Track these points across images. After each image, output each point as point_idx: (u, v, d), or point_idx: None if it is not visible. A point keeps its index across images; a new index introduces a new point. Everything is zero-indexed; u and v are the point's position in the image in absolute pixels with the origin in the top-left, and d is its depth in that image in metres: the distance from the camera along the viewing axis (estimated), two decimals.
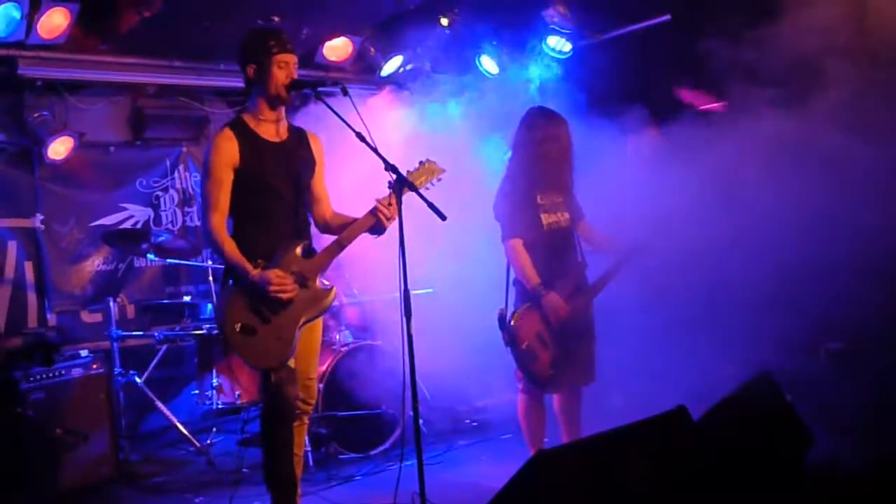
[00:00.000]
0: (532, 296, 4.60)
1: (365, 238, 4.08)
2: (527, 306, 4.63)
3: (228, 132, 3.96)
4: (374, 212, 3.97)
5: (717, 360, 5.03)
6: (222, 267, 4.07)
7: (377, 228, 4.01)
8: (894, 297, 4.66)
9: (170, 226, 6.80)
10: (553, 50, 6.77)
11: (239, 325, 3.83)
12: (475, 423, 6.10)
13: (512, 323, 4.63)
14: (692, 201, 5.12)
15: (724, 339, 5.28)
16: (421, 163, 4.09)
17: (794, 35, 4.75)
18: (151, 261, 6.10)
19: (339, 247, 4.03)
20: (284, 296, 3.84)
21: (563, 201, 4.77)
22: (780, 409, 4.18)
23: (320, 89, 4.01)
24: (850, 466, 4.11)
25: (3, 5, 5.27)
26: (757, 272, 5.04)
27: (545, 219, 4.67)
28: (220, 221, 3.92)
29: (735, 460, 3.79)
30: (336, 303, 4.61)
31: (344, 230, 4.07)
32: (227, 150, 3.91)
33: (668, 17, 6.33)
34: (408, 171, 3.95)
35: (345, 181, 4.64)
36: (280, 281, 3.83)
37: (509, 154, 4.86)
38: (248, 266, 3.83)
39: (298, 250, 4.00)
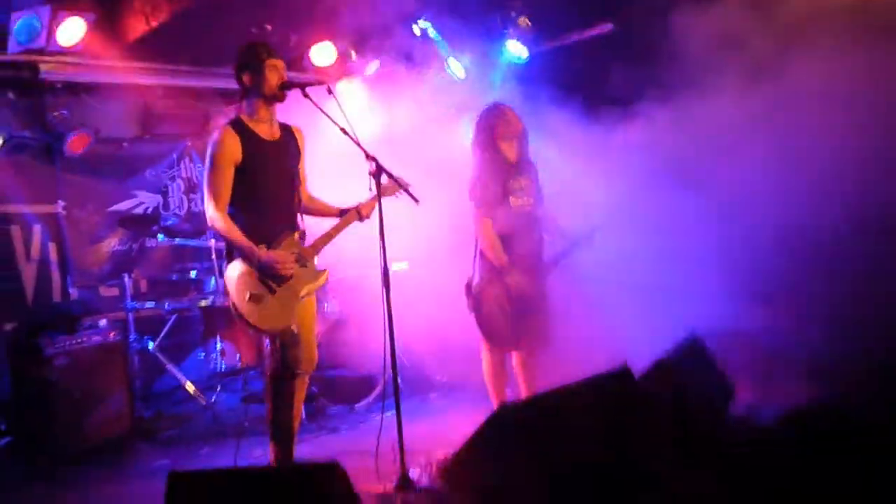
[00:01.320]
0: (495, 269, 4.59)
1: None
2: (490, 278, 4.62)
3: (230, 130, 3.93)
4: (358, 210, 4.15)
5: (656, 322, 5.06)
6: (224, 248, 4.06)
7: (360, 220, 4.17)
8: (809, 266, 4.70)
9: (177, 210, 6.74)
10: (512, 55, 6.74)
11: (248, 294, 3.83)
12: (445, 380, 6.10)
13: (476, 291, 4.62)
14: (642, 185, 5.15)
15: (663, 305, 5.32)
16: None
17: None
18: (161, 241, 6.03)
19: (329, 237, 4.12)
20: (288, 272, 3.88)
21: (528, 185, 4.74)
22: (708, 366, 4.21)
23: (308, 88, 3.97)
24: (765, 415, 4.16)
25: (25, 17, 5.18)
26: (691, 247, 5.07)
27: (513, 201, 4.65)
28: (224, 209, 3.91)
29: (669, 410, 3.82)
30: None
31: (323, 216, 4.26)
32: (230, 146, 3.89)
33: (610, 26, 6.31)
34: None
35: (326, 166, 4.58)
36: (284, 259, 3.87)
37: (472, 149, 4.80)
38: (255, 248, 3.85)
39: (296, 236, 4.06)
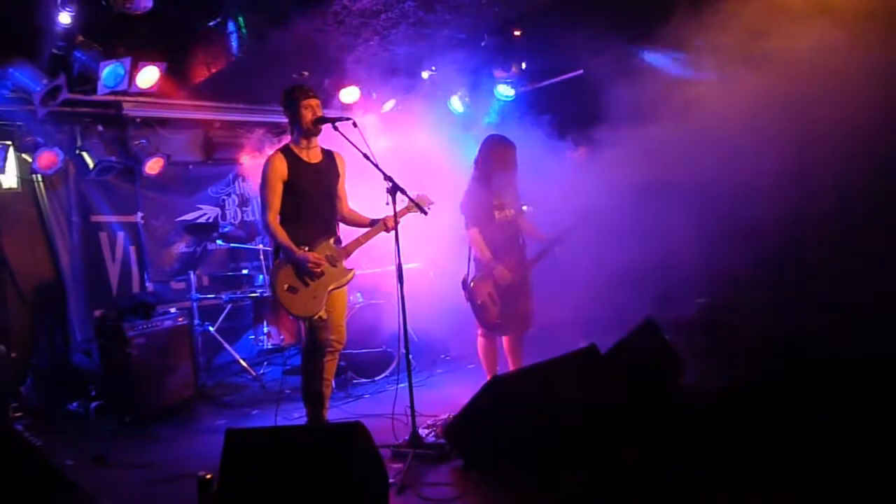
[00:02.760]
0: (485, 267, 4.59)
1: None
2: (481, 275, 4.62)
3: (280, 154, 3.98)
4: (385, 222, 4.12)
5: (619, 309, 5.03)
6: (271, 249, 4.09)
7: (387, 231, 4.15)
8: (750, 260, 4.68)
9: (232, 220, 6.73)
10: (501, 94, 6.75)
11: (286, 286, 3.88)
12: (448, 357, 6.09)
13: (471, 286, 4.62)
14: (607, 195, 5.13)
15: (626, 294, 5.29)
16: (417, 195, 4.12)
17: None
18: (219, 245, 6.04)
19: (359, 243, 4.16)
20: (318, 270, 3.92)
21: (510, 202, 4.73)
22: (661, 345, 4.21)
23: (337, 123, 3.98)
24: (710, 386, 4.15)
25: (111, 65, 5.20)
26: (649, 248, 5.05)
27: (497, 215, 4.65)
28: (275, 217, 3.96)
29: (630, 382, 3.81)
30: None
31: (358, 226, 4.23)
32: (279, 167, 3.94)
33: (580, 71, 6.31)
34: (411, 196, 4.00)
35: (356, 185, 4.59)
36: (317, 260, 3.92)
37: (473, 166, 4.81)
38: (296, 248, 3.89)
39: (331, 241, 4.08)
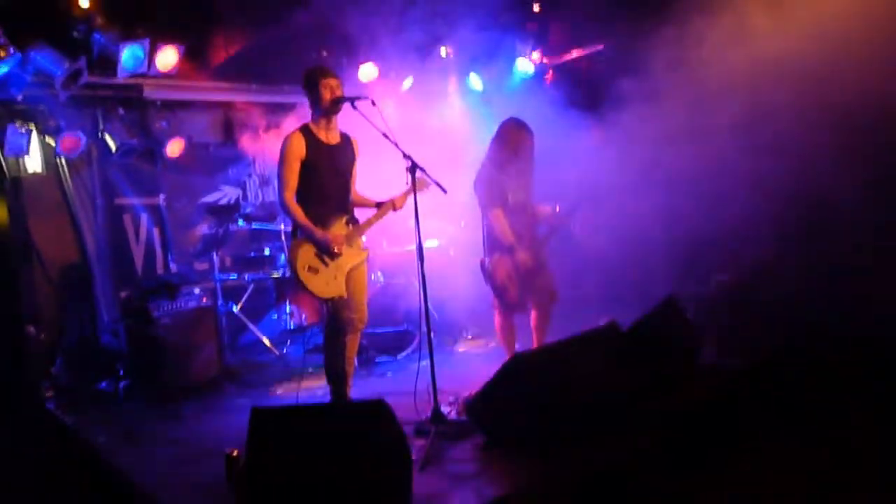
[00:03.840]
0: (505, 247, 4.58)
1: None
2: (499, 255, 4.60)
3: (299, 134, 3.97)
4: (393, 202, 4.18)
5: (641, 286, 5.01)
6: (290, 229, 4.10)
7: (395, 210, 4.21)
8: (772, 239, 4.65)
9: (253, 201, 6.76)
10: (520, 71, 6.67)
11: (306, 266, 3.89)
12: (469, 335, 6.11)
13: (489, 266, 4.62)
14: (623, 173, 5.09)
15: (646, 271, 5.27)
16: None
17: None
18: (241, 226, 6.07)
19: (370, 223, 4.16)
20: (338, 250, 3.92)
21: (524, 185, 4.70)
22: (682, 323, 4.19)
23: (356, 102, 3.97)
24: (728, 363, 4.13)
25: (130, 47, 5.21)
26: (669, 226, 5.01)
27: (511, 196, 4.62)
28: (292, 196, 3.95)
29: (650, 360, 3.80)
30: (371, 255, 4.58)
31: (364, 207, 4.24)
32: (298, 146, 3.93)
33: (601, 46, 6.21)
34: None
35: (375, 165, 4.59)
36: (337, 239, 3.93)
37: (488, 147, 4.77)
38: (316, 228, 3.89)
39: (345, 220, 4.08)
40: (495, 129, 4.75)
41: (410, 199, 3.99)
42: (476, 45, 6.41)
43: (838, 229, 4.53)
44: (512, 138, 4.62)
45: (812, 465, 2.91)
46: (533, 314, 4.73)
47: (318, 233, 3.89)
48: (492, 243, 4.65)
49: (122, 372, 5.17)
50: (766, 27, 4.51)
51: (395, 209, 4.18)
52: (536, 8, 6.12)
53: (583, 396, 3.51)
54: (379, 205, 4.22)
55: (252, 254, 6.37)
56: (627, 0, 5.62)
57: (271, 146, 6.37)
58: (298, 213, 3.91)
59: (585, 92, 5.96)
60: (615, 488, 2.95)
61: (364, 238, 4.21)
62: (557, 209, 4.70)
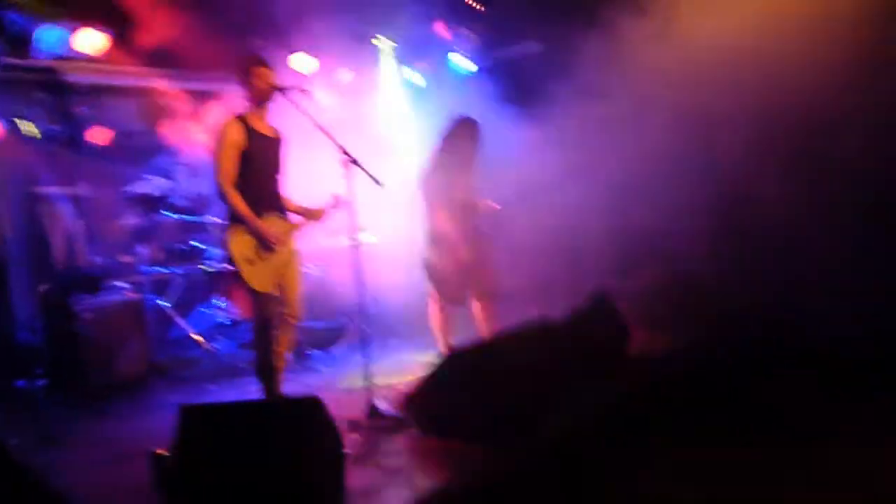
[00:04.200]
0: (446, 242, 4.61)
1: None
2: (440, 249, 4.64)
3: (235, 121, 3.88)
4: (312, 213, 4.11)
5: (574, 279, 5.12)
6: (223, 220, 3.98)
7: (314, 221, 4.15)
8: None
9: (182, 191, 6.52)
10: (459, 67, 6.69)
11: (244, 257, 3.81)
12: (405, 328, 6.09)
13: (430, 260, 4.64)
14: (558, 169, 5.20)
15: (579, 265, 5.38)
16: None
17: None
18: (169, 217, 5.89)
19: (301, 225, 4.09)
20: (276, 242, 3.87)
21: (468, 180, 4.75)
22: (612, 314, 4.30)
23: (290, 92, 3.90)
24: (656, 353, 4.27)
25: (50, 28, 4.97)
26: (601, 221, 5.14)
27: (456, 193, 4.65)
28: (231, 184, 3.84)
29: (580, 352, 3.90)
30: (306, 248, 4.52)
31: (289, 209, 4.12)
32: (235, 134, 3.84)
33: (537, 44, 6.30)
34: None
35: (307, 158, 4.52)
36: (275, 231, 3.86)
37: (435, 143, 4.78)
38: (257, 219, 3.81)
39: (278, 215, 3.99)
40: (432, 122, 4.78)
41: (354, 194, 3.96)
42: (412, 38, 6.39)
43: (763, 224, 4.73)
44: (459, 134, 4.69)
45: (741, 448, 3.04)
46: (476, 308, 4.79)
47: (259, 223, 3.81)
48: (434, 237, 4.67)
49: (40, 370, 4.94)
50: (697, 26, 4.66)
51: (316, 220, 4.12)
52: (472, 3, 6.13)
53: (515, 389, 3.57)
54: (302, 211, 4.15)
55: (181, 246, 6.17)
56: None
57: (199, 135, 6.18)
58: (238, 201, 3.81)
59: (520, 88, 6.03)
60: (551, 475, 3.01)
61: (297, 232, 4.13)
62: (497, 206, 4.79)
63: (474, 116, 4.82)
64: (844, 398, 3.31)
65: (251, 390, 4.56)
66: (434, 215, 4.65)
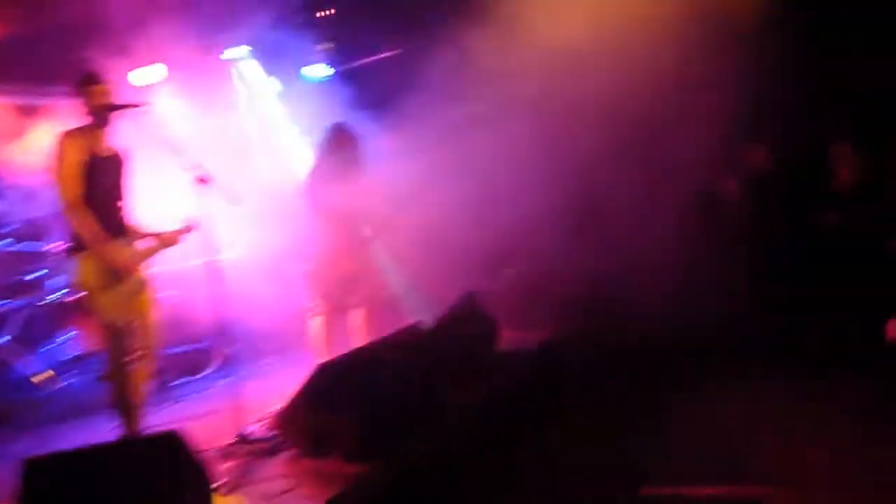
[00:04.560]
0: (328, 251, 4.56)
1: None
2: (322, 258, 4.59)
3: (75, 137, 3.57)
4: (162, 239, 3.86)
5: (444, 282, 5.19)
6: (66, 245, 3.67)
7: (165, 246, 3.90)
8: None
9: (15, 218, 5.93)
10: (312, 74, 6.58)
11: (94, 284, 3.55)
12: (277, 346, 5.89)
13: (311, 270, 4.59)
14: (421, 173, 5.24)
15: (449, 268, 5.46)
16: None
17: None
18: (7, 245, 5.35)
19: (151, 251, 3.84)
20: (128, 268, 3.63)
21: (351, 189, 4.70)
22: (481, 315, 4.42)
23: (132, 109, 3.66)
24: (527, 346, 4.44)
25: None
26: (466, 223, 5.25)
27: (339, 201, 4.57)
28: (77, 204, 3.53)
29: (453, 354, 3.96)
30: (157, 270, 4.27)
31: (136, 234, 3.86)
32: (76, 150, 3.54)
33: (400, 50, 6.32)
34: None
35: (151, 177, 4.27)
36: (124, 260, 3.61)
37: (316, 154, 4.74)
38: (106, 244, 3.54)
39: (125, 239, 3.74)
40: (291, 130, 4.71)
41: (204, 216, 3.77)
42: (265, 45, 6.21)
43: (616, 221, 5.03)
44: (337, 142, 4.67)
45: (612, 435, 3.21)
46: (356, 317, 4.75)
47: (107, 249, 3.53)
48: (317, 247, 4.61)
49: None
50: (541, 30, 4.87)
51: (168, 246, 3.89)
52: (326, 12, 6.06)
53: (392, 397, 3.57)
54: (151, 236, 3.91)
55: (20, 277, 5.63)
56: (417, 5, 5.77)
57: (27, 154, 5.65)
58: (88, 224, 3.51)
59: (378, 94, 6.03)
60: (433, 479, 3.03)
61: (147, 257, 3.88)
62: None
63: (347, 124, 4.80)
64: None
65: (109, 428, 4.25)
66: (317, 224, 4.59)
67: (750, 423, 3.18)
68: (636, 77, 4.41)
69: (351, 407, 3.48)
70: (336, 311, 4.64)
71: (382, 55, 6.41)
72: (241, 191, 3.99)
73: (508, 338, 4.44)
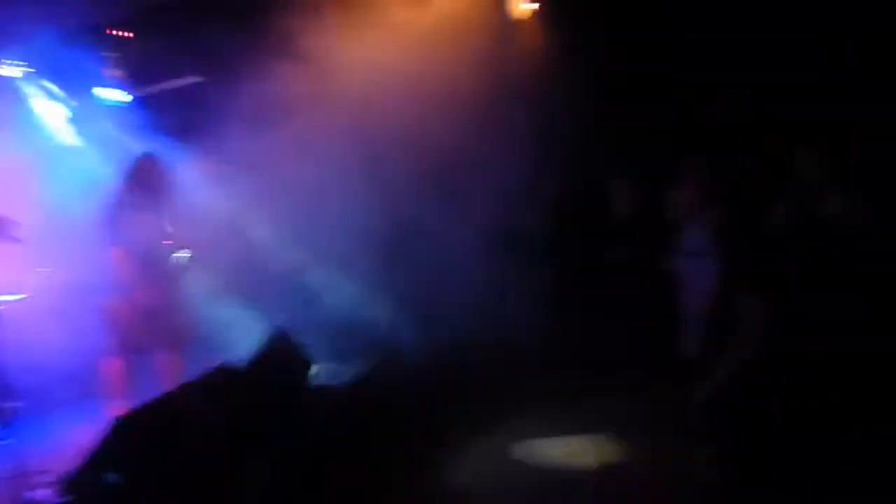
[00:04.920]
0: (125, 288, 4.29)
1: None
2: (119, 296, 4.33)
3: None
4: None
5: (257, 316, 5.08)
6: None
7: None
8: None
9: None
10: (107, 98, 6.16)
11: None
12: (66, 396, 5.35)
13: (107, 309, 4.28)
14: (232, 200, 5.10)
15: (260, 301, 5.35)
16: None
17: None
18: None
19: None
20: None
21: (156, 220, 4.52)
22: (294, 349, 4.38)
23: None
24: (341, 380, 4.48)
25: None
26: (274, 253, 5.18)
27: (141, 234, 4.39)
28: None
29: (265, 393, 3.89)
30: None
31: None
32: None
33: (201, 77, 6.13)
34: None
35: None
36: None
37: (119, 184, 4.51)
38: None
39: None
40: (83, 157, 4.42)
41: None
42: (54, 66, 5.73)
43: (428, 243, 5.22)
44: (142, 173, 4.51)
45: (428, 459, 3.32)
46: (159, 359, 4.51)
47: None
48: (112, 284, 4.38)
49: None
50: (350, 62, 4.98)
51: None
52: (124, 34, 5.72)
53: (200, 445, 3.42)
54: None
55: None
56: (226, 30, 5.64)
57: None
58: None
59: (183, 120, 5.81)
60: None
61: None
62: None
63: (154, 154, 4.58)
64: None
65: None
66: (115, 258, 4.30)
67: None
68: (439, 117, 4.67)
69: (148, 467, 3.28)
70: (129, 352, 4.38)
71: (186, 80, 6.18)
72: (20, 223, 3.67)
73: (325, 370, 4.45)
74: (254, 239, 5.27)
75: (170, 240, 4.63)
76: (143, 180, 4.50)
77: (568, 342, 4.80)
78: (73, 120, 5.99)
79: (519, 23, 5.51)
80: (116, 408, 4.32)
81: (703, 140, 4.48)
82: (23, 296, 5.10)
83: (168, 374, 4.51)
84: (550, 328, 4.85)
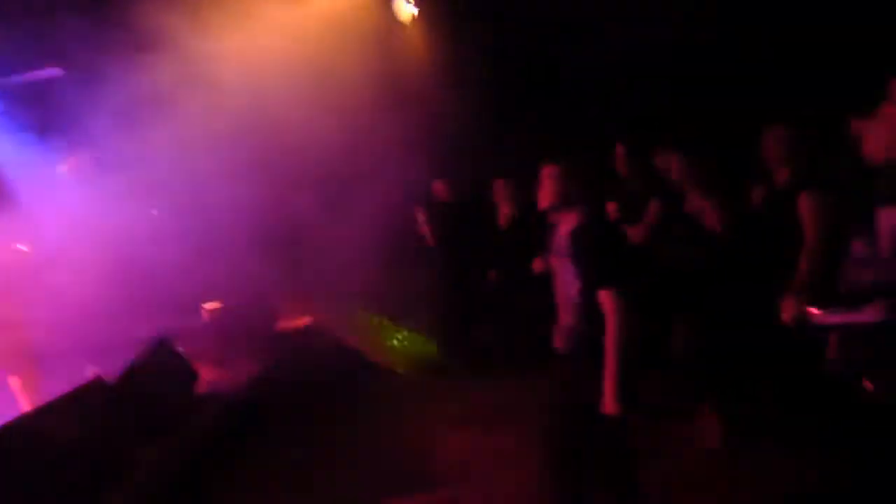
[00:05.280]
0: None
1: None
2: None
3: None
4: None
5: (130, 328, 4.79)
6: None
7: None
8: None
9: None
10: None
11: None
12: None
13: None
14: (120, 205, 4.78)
15: (134, 313, 5.04)
16: None
17: None
18: None
19: None
20: None
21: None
22: (175, 359, 4.19)
23: None
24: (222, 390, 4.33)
25: None
26: (148, 262, 4.91)
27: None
28: None
29: (145, 405, 3.68)
30: None
31: None
32: None
33: (60, 70, 5.67)
34: None
35: None
36: None
37: None
38: None
39: None
40: None
41: None
42: None
43: (309, 245, 5.13)
44: None
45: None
46: (11, 379, 4.11)
47: None
48: None
49: None
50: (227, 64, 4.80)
51: None
52: None
53: (75, 464, 3.19)
54: None
55: None
56: (91, 21, 5.26)
57: None
58: None
59: (43, 117, 5.37)
60: None
61: None
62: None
63: None
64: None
65: None
66: None
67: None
68: (320, 119, 4.61)
69: (24, 483, 3.02)
70: None
71: (49, 73, 5.71)
72: None
73: (209, 378, 4.28)
74: (128, 240, 4.93)
75: (22, 246, 4.27)
76: None
77: (451, 342, 4.92)
78: None
79: (404, 26, 5.53)
80: None
81: (589, 138, 4.62)
82: None
83: (26, 396, 4.16)
84: (432, 329, 4.95)
